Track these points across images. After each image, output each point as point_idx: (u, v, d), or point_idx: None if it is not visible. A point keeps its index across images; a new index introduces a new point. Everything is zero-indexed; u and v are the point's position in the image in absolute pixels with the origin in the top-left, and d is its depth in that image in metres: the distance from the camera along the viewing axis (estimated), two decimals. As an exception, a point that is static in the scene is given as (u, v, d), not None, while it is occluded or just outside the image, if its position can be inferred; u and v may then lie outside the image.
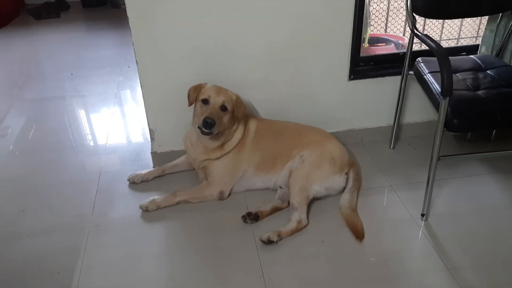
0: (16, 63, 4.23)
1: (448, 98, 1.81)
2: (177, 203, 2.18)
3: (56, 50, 4.55)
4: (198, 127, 2.07)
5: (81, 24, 5.53)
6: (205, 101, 2.08)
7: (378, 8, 3.10)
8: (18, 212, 2.19)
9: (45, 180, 2.44)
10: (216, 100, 2.07)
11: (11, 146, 2.79)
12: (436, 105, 1.96)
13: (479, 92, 2.00)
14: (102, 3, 6.07)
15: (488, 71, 2.20)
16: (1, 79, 3.97)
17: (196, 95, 2.13)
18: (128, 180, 2.37)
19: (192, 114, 2.19)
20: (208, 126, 2.01)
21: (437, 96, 1.96)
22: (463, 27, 3.28)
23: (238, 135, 2.21)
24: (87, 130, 3.03)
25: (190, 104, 2.16)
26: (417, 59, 2.30)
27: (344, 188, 2.17)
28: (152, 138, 2.44)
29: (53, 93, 3.55)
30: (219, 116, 2.05)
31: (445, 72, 1.77)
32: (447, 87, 1.78)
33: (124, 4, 2.04)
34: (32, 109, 3.29)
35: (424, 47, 2.55)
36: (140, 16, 2.09)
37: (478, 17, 3.05)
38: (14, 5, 5.81)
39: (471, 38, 3.30)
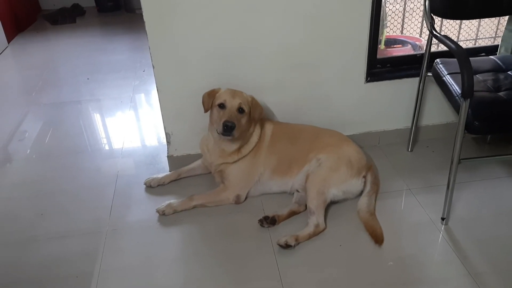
0: (33, 68, 4.28)
1: (469, 99, 1.78)
2: (194, 207, 2.17)
3: (72, 55, 4.60)
4: (218, 132, 2.06)
5: (96, 29, 5.58)
6: (222, 106, 2.08)
7: (394, 9, 3.06)
8: (36, 216, 2.20)
9: (62, 184, 2.46)
10: (233, 103, 2.06)
11: (29, 150, 2.81)
12: (456, 107, 1.92)
13: (500, 94, 1.96)
14: (117, 8, 6.12)
15: (509, 72, 2.15)
16: (19, 84, 4.04)
17: (211, 101, 2.12)
18: (145, 184, 2.37)
19: (209, 120, 2.18)
20: (228, 129, 2.00)
21: (457, 97, 1.92)
22: (481, 27, 3.22)
23: (254, 138, 2.20)
24: (103, 134, 3.05)
25: (206, 111, 2.15)
26: (435, 60, 2.26)
27: (361, 192, 2.15)
28: (168, 142, 2.44)
29: (69, 97, 3.58)
30: (238, 119, 2.05)
31: (466, 73, 1.74)
32: (467, 89, 1.75)
33: (138, 9, 2.06)
34: (49, 114, 3.33)
35: (442, 48, 2.52)
36: (156, 21, 2.09)
37: (497, 17, 3.00)
38: (31, 10, 5.90)
39: (489, 39, 3.25)
